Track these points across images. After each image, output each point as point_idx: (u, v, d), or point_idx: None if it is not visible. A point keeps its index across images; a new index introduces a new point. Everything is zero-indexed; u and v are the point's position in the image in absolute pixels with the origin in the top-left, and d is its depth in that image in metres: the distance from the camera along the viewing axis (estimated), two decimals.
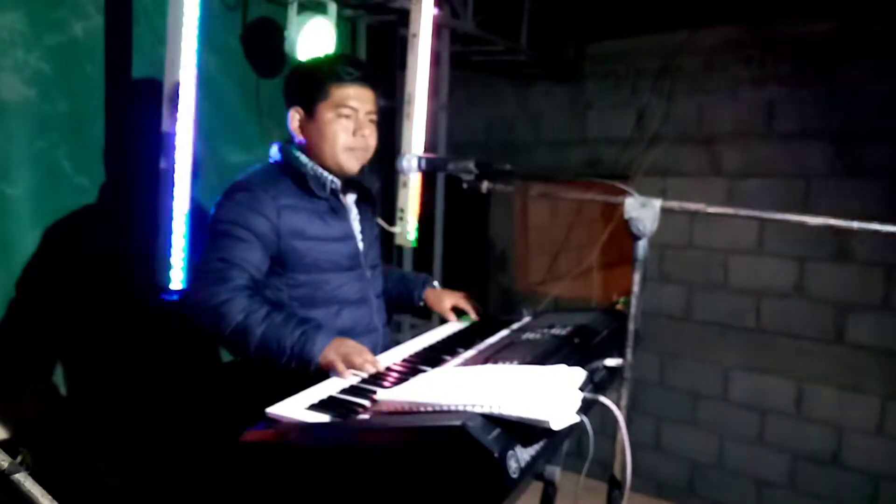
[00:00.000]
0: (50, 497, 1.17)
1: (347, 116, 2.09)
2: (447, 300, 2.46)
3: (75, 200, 2.59)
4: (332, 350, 1.86)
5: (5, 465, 1.16)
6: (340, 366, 1.83)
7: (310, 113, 2.09)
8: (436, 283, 2.55)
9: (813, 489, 3.66)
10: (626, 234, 1.66)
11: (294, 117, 2.11)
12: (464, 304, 2.46)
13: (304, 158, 2.13)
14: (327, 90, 2.07)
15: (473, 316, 2.46)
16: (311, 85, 2.08)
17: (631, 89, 4.14)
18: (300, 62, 2.21)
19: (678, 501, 4.12)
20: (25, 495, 1.15)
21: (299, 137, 2.13)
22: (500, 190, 1.96)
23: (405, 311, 3.30)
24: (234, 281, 1.93)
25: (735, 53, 3.76)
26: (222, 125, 3.02)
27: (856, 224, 1.54)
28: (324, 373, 1.86)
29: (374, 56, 3.74)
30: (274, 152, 2.18)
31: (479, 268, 4.93)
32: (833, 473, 3.60)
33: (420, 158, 2.11)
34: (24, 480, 1.17)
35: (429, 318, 3.95)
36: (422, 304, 2.49)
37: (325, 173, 2.13)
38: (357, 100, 2.10)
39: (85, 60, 2.60)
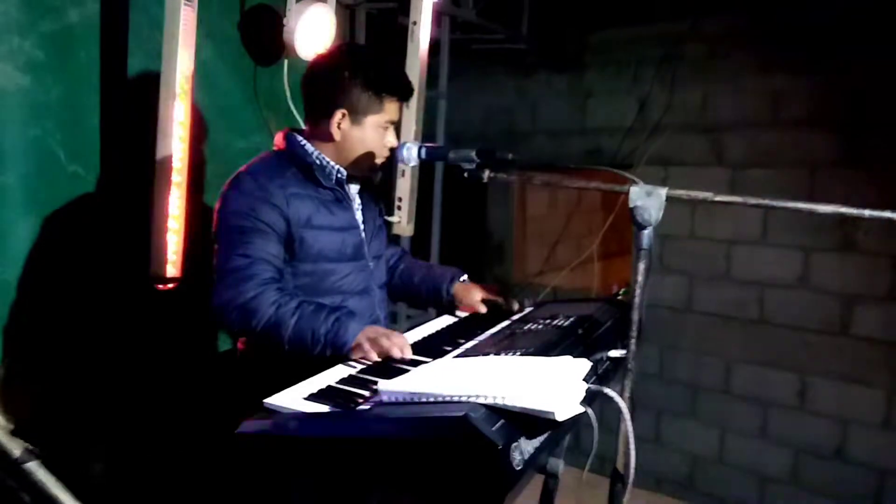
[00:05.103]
0: (62, 486, 1.16)
1: (387, 128, 2.15)
2: (477, 293, 2.40)
3: (69, 189, 2.55)
4: (363, 335, 1.87)
5: (17, 453, 1.14)
6: (371, 351, 1.85)
7: (357, 120, 2.10)
8: (465, 277, 2.48)
9: (816, 484, 3.64)
10: (626, 223, 1.64)
11: (338, 119, 2.09)
12: (496, 297, 2.39)
13: (310, 148, 2.14)
14: (383, 104, 2.11)
15: (509, 308, 2.37)
16: (368, 96, 2.08)
17: (632, 78, 4.11)
18: (351, 65, 2.08)
19: (678, 496, 4.10)
20: (37, 484, 1.14)
21: (337, 138, 2.11)
22: (502, 179, 1.94)
23: (432, 306, 3.25)
24: (261, 276, 1.94)
25: (739, 41, 3.73)
26: (219, 113, 2.98)
27: (867, 212, 1.51)
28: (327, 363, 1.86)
29: (374, 44, 3.70)
30: (279, 140, 2.18)
31: (476, 258, 4.91)
32: (837, 468, 3.57)
33: (421, 147, 2.11)
34: (37, 470, 1.15)
35: (425, 308, 3.92)
36: (450, 297, 2.42)
37: (332, 163, 2.13)
38: (398, 113, 2.18)
39: (80, 47, 2.55)
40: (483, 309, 2.38)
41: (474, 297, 2.38)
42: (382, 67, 2.15)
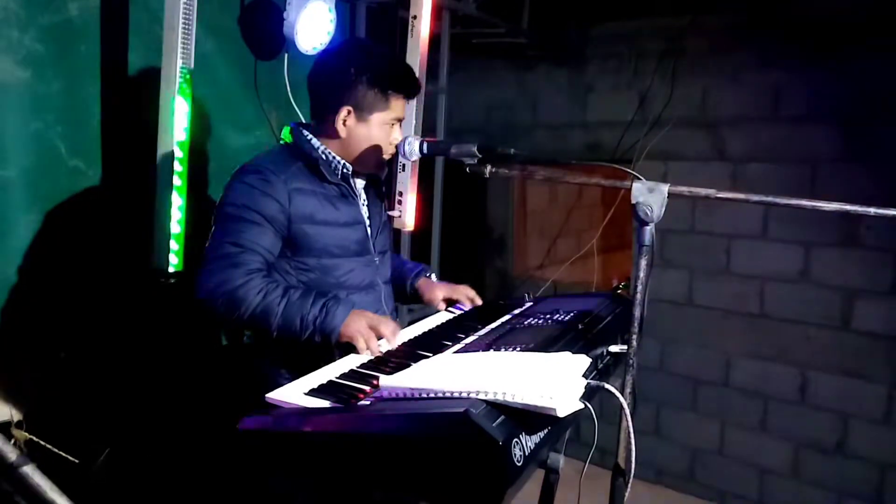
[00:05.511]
0: (59, 490, 1.15)
1: (393, 125, 2.14)
2: (440, 291, 2.43)
3: (70, 183, 2.55)
4: (353, 323, 1.88)
5: (13, 457, 1.13)
6: (361, 342, 1.86)
7: (363, 117, 2.09)
8: (432, 275, 2.52)
9: (817, 478, 3.64)
10: (626, 218, 1.64)
11: (343, 116, 2.08)
12: (459, 296, 2.43)
13: (316, 142, 2.13)
14: (389, 102, 2.10)
15: (468, 307, 2.42)
16: (374, 93, 2.08)
17: (633, 72, 4.09)
18: (358, 62, 2.08)
19: (678, 488, 4.10)
20: (33, 489, 1.13)
21: (342, 134, 2.11)
22: (503, 174, 1.94)
23: (397, 300, 3.28)
24: (248, 265, 1.94)
25: (740, 36, 3.71)
26: (219, 107, 2.98)
27: (872, 210, 1.51)
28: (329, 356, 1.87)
29: (374, 39, 3.70)
30: (286, 135, 2.17)
31: (476, 252, 4.91)
32: (838, 462, 3.57)
33: (422, 142, 2.09)
34: (33, 473, 1.14)
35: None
36: (412, 293, 2.47)
37: (338, 158, 2.13)
38: (405, 111, 2.17)
39: (80, 41, 2.55)
40: (443, 307, 2.42)
41: (436, 295, 2.42)
42: (389, 65, 2.15)
